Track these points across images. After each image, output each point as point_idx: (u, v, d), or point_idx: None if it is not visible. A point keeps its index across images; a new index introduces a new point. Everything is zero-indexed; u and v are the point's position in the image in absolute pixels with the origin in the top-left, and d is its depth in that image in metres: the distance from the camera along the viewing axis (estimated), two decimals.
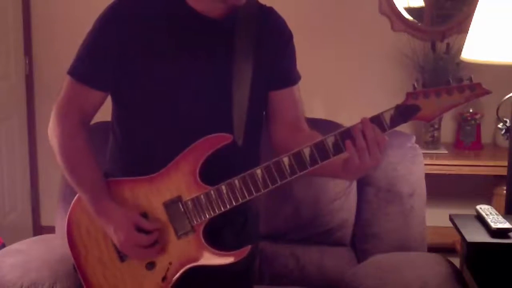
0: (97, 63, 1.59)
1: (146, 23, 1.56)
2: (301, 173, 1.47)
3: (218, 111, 1.58)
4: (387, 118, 1.43)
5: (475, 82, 1.42)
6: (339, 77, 3.72)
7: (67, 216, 1.66)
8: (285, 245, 2.39)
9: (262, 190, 1.50)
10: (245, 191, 1.50)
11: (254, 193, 1.50)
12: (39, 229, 3.93)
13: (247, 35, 1.60)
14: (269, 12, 1.68)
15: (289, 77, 1.69)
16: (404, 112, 1.43)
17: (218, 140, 1.54)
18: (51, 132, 1.63)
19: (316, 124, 1.73)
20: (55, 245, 2.13)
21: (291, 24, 1.71)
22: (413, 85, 1.45)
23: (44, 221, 3.95)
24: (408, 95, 1.44)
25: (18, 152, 3.79)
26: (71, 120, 1.61)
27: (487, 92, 1.42)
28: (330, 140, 1.45)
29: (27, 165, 3.89)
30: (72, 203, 1.65)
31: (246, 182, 1.50)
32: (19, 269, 2.00)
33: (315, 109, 3.65)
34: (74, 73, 1.61)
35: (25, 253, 2.11)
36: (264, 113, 1.70)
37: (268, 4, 1.70)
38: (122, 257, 1.60)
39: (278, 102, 1.67)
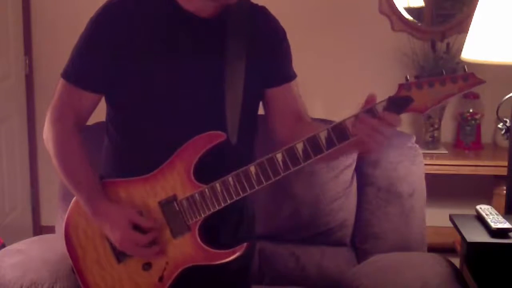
0: (89, 65, 1.58)
1: (138, 23, 1.55)
2: (295, 168, 1.47)
3: (211, 109, 1.58)
4: (379, 110, 1.42)
5: (468, 72, 1.40)
6: (339, 77, 3.71)
7: (65, 218, 1.66)
8: (285, 245, 2.39)
9: (256, 187, 1.50)
10: (239, 188, 1.51)
11: (248, 190, 1.51)
12: (39, 229, 3.93)
13: (239, 34, 1.59)
14: (261, 12, 1.67)
15: (286, 74, 1.68)
16: (397, 104, 1.41)
17: (211, 138, 1.53)
18: (46, 135, 1.63)
19: None
20: (55, 245, 2.13)
21: (291, 24, 1.70)
22: (406, 77, 1.43)
23: (44, 221, 3.95)
24: (401, 86, 1.42)
25: (18, 152, 3.78)
26: (65, 123, 1.61)
27: (481, 82, 1.39)
28: (323, 134, 1.44)
29: (27, 165, 3.88)
30: (70, 206, 1.66)
31: (240, 179, 1.50)
32: (19, 269, 2.00)
33: (315, 109, 3.64)
34: (67, 75, 1.60)
35: (25, 253, 2.11)
36: (258, 111, 1.70)
37: (269, 4, 1.69)
38: (119, 258, 1.61)
39: (277, 99, 1.67)
